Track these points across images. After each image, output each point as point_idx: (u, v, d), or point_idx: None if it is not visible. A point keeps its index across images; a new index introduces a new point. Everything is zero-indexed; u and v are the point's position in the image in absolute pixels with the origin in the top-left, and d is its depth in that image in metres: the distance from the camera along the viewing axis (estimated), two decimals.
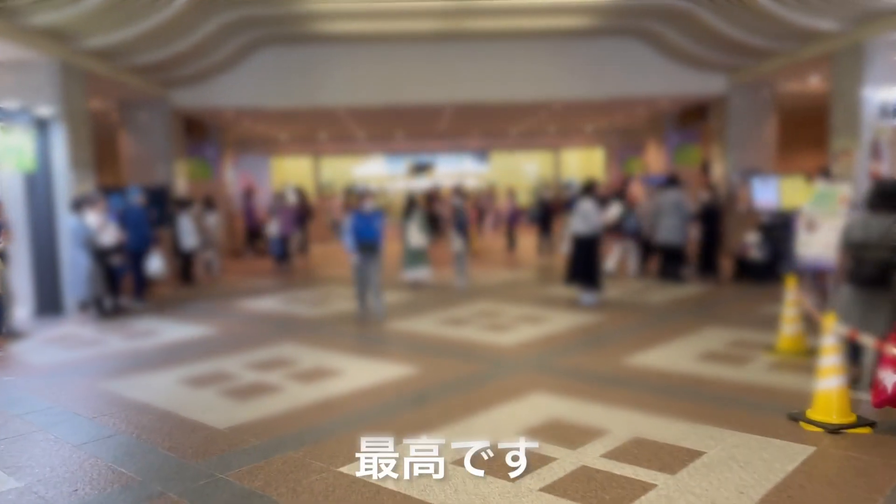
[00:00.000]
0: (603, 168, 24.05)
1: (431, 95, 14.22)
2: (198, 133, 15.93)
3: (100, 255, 8.97)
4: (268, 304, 9.96)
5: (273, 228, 13.67)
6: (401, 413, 4.91)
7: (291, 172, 25.42)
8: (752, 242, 10.52)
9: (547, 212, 14.18)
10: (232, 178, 18.28)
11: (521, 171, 26.81)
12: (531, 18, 12.33)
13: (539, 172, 26.55)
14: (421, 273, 11.08)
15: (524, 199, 22.77)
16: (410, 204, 11.14)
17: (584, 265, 9.14)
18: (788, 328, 6.15)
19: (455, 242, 11.12)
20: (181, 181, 14.28)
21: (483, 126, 21.27)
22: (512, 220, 17.15)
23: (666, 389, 5.28)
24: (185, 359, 6.75)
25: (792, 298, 6.13)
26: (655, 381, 5.50)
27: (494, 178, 26.05)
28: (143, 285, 10.11)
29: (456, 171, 26.66)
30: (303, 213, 17.97)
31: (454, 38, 13.52)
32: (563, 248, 12.93)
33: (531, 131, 22.77)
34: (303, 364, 6.39)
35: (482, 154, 26.52)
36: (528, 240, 17.60)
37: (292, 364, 6.40)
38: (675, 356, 6.26)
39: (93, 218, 8.94)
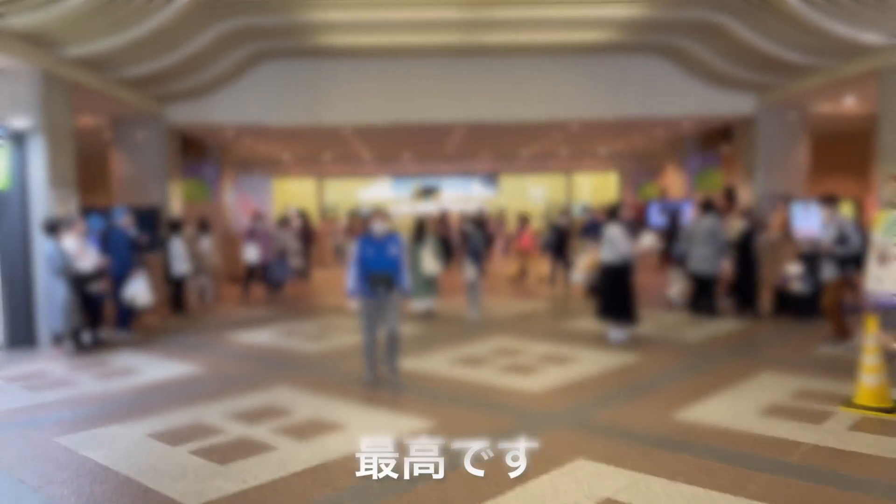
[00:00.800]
0: (617, 192, 23.21)
1: (441, 114, 13.45)
2: (196, 152, 15.16)
3: (77, 283, 8.10)
4: (262, 337, 9.05)
5: (252, 254, 12.56)
6: (415, 485, 3.98)
7: (294, 195, 24.67)
8: (793, 274, 9.60)
9: (561, 239, 13.26)
10: (232, 200, 17.49)
11: (530, 196, 26.00)
12: (550, 32, 11.57)
13: (548, 197, 25.71)
14: (429, 302, 10.19)
15: (534, 224, 21.90)
16: (420, 228, 10.27)
17: (615, 297, 8.23)
18: (870, 378, 5.22)
19: (468, 271, 10.24)
20: (176, 202, 13.48)
21: (493, 148, 20.52)
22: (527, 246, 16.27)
23: (738, 456, 4.34)
24: (163, 405, 5.84)
25: (873, 344, 5.20)
26: (722, 445, 4.56)
27: (503, 203, 25.25)
28: (126, 314, 9.21)
29: (463, 195, 25.86)
30: (305, 238, 17.15)
31: (467, 53, 12.78)
32: (576, 278, 12.04)
33: (543, 154, 22.01)
34: (298, 414, 5.47)
35: (491, 177, 25.73)
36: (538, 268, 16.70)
37: (285, 414, 5.48)
38: (735, 410, 5.32)
39: (70, 242, 8.09)
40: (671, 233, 10.92)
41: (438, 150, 20.68)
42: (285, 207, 19.21)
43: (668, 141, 17.57)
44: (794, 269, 9.68)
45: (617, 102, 13.34)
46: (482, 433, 4.85)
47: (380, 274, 6.24)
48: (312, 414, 5.46)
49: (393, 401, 5.88)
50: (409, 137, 16.97)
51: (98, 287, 8.41)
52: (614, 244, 8.10)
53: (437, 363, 7.19)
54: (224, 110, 12.97)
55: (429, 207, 24.38)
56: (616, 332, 8.26)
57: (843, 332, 7.60)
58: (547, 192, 25.99)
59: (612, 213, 8.63)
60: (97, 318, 8.68)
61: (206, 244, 11.94)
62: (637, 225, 13.34)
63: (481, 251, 10.44)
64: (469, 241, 10.49)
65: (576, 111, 13.50)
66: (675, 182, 17.54)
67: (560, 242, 13.21)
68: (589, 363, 7.05)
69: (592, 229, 12.69)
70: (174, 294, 11.04)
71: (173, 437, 4.97)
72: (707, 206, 10.08)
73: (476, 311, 10.19)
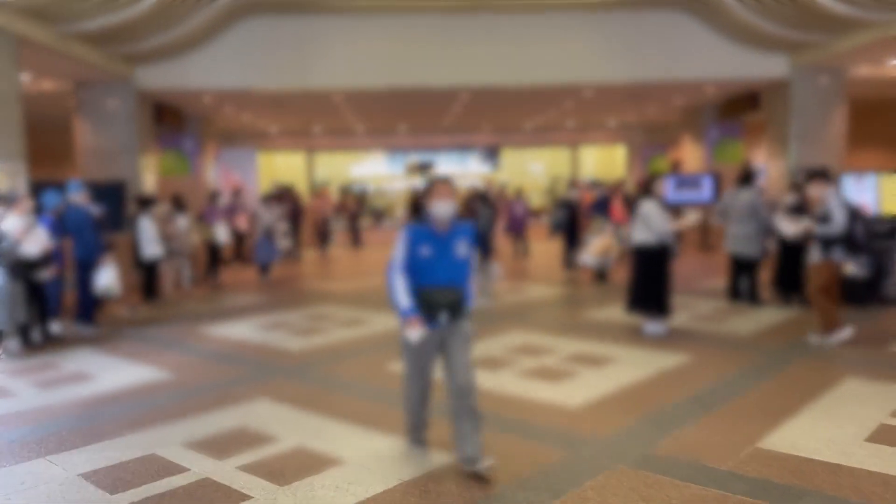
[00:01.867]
0: (625, 167, 22.02)
1: (442, 79, 12.18)
2: (173, 122, 13.85)
3: (22, 270, 6.88)
4: (242, 330, 7.86)
5: (221, 234, 11.36)
6: None
7: (283, 169, 23.37)
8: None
9: (573, 216, 12.01)
10: (214, 174, 16.21)
11: (531, 171, 24.73)
12: None
13: (552, 172, 24.45)
14: None
15: (536, 200, 20.56)
16: (419, 203, 9.04)
17: (649, 285, 7.08)
18: None
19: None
20: (150, 177, 12.22)
21: (495, 119, 19.25)
22: (521, 224, 15.11)
23: None
24: (112, 426, 4.67)
25: None
26: (843, 493, 3.43)
27: (503, 178, 24.00)
28: (90, 306, 8.01)
29: (458, 170, 24.53)
30: (294, 215, 15.95)
31: (470, 9, 11.49)
32: (586, 261, 10.86)
33: (547, 126, 20.77)
34: (279, 442, 4.31)
35: (491, 151, 24.41)
36: (538, 246, 15.57)
37: (263, 442, 4.32)
38: (835, 435, 4.19)
39: (12, 221, 6.84)
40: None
41: (436, 122, 19.40)
42: (272, 183, 17.90)
43: (684, 110, 16.35)
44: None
45: (635, 65, 12.11)
46: (521, 470, 3.72)
47: (442, 291, 3.69)
48: (298, 442, 4.30)
49: (399, 420, 4.71)
50: (405, 106, 15.68)
51: (47, 274, 7.18)
52: (650, 223, 6.93)
53: None
54: (201, 73, 11.66)
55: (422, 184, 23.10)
56: (653, 326, 7.14)
57: (831, 322, 6.54)
58: (550, 166, 24.72)
59: (646, 187, 7.44)
60: (49, 310, 7.47)
61: (182, 223, 10.69)
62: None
63: (489, 231, 9.23)
64: (481, 220, 9.27)
65: (589, 75, 12.27)
66: (691, 154, 16.34)
67: (572, 220, 11.96)
68: (630, 365, 5.91)
69: (603, 206, 11.53)
70: (145, 280, 9.82)
71: (114, 479, 3.80)
72: (747, 178, 8.90)
73: (486, 298, 9.05)
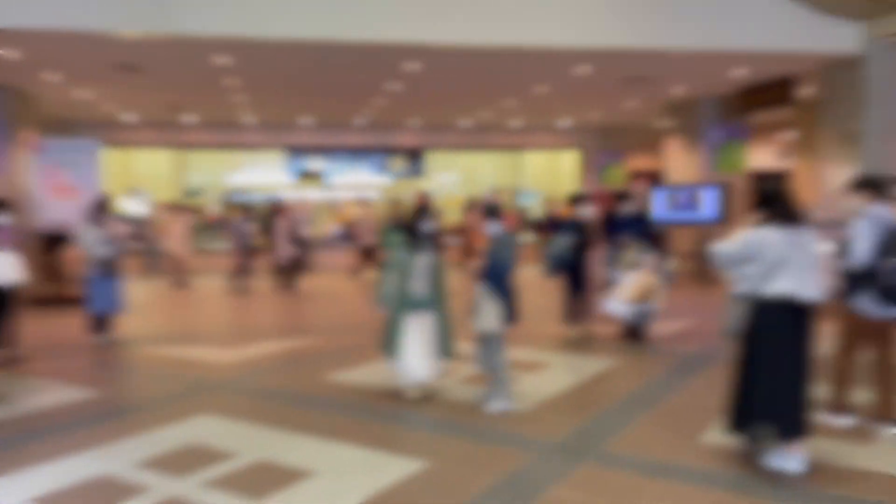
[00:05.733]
0: (577, 177, 18.66)
1: (381, 30, 8.03)
2: None
3: None
4: None
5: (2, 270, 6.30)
6: None
7: (144, 173, 18.22)
8: None
9: (582, 245, 7.60)
10: (33, 175, 11.08)
11: (444, 182, 20.75)
12: None
13: (496, 181, 20.52)
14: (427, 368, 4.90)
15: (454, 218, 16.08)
16: (421, 216, 4.92)
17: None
18: None
19: (486, 313, 4.95)
20: None
21: (425, 112, 15.27)
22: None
23: None
24: None
25: None
26: None
27: (428, 188, 19.89)
28: None
29: (351, 180, 20.08)
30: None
31: None
32: (617, 309, 7.15)
33: (489, 125, 17.04)
34: None
35: (413, 155, 20.16)
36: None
37: None
38: None
39: None
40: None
41: (351, 113, 15.15)
42: (128, 189, 12.90)
43: (674, 105, 13.07)
44: None
45: (664, 26, 8.55)
46: None
47: None
48: None
49: None
50: (317, 85, 11.35)
51: None
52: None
53: None
54: None
55: (316, 195, 19.08)
56: (787, 459, 3.45)
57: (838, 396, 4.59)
58: (472, 175, 20.90)
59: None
60: None
61: None
62: (607, 223, 8.10)
63: (508, 270, 5.10)
64: (493, 250, 5.13)
65: (591, 35, 8.49)
66: (680, 162, 13.07)
67: (579, 253, 7.67)
68: None
69: (639, 226, 7.58)
70: None
71: None
72: None
73: (504, 399, 4.98)
